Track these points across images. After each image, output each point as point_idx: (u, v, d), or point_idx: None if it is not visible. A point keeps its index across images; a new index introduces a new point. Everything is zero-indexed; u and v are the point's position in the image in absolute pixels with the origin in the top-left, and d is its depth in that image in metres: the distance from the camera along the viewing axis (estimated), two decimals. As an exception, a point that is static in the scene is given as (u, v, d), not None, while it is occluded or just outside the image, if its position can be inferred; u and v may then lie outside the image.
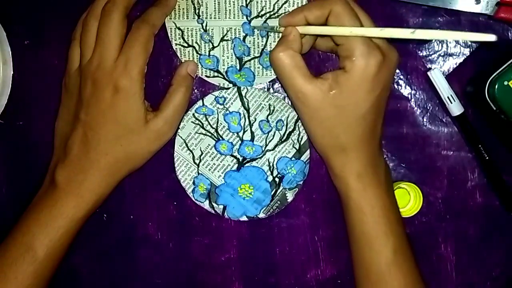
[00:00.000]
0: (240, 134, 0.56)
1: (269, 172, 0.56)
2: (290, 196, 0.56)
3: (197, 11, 0.55)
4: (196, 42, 0.55)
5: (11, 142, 0.57)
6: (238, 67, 0.55)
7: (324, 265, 0.57)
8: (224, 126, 0.56)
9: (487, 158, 0.54)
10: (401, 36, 0.44)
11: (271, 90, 0.56)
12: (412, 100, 0.55)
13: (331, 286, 0.57)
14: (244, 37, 0.55)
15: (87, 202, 0.51)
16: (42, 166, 0.54)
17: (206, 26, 0.55)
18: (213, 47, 0.55)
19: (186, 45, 0.55)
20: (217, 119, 0.55)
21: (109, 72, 0.50)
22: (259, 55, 0.55)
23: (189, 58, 0.55)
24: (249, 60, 0.55)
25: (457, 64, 0.55)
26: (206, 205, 0.56)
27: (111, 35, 0.50)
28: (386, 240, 0.49)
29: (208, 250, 0.57)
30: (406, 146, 0.56)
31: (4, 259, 0.50)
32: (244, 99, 0.55)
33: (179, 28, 0.55)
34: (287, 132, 0.55)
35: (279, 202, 0.56)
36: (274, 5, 0.54)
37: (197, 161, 0.56)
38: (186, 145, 0.56)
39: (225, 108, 0.55)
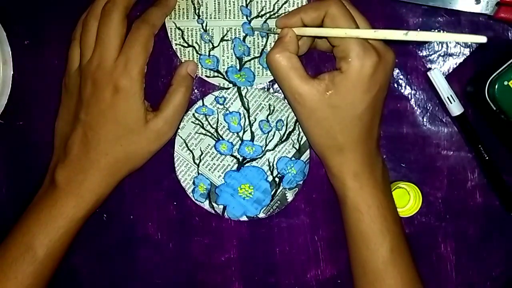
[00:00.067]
0: (240, 134, 0.56)
1: (269, 172, 0.56)
2: (290, 196, 0.56)
3: (197, 11, 0.55)
4: (196, 42, 0.55)
5: (11, 142, 0.57)
6: (238, 67, 0.55)
7: (324, 265, 0.57)
8: (224, 126, 0.56)
9: (487, 158, 0.54)
10: (395, 37, 0.45)
11: (271, 90, 0.56)
12: (412, 100, 0.55)
13: (331, 286, 0.57)
14: (244, 37, 0.55)
15: (87, 202, 0.51)
16: (42, 166, 0.54)
17: (206, 26, 0.55)
18: (213, 47, 0.55)
19: (186, 45, 0.55)
20: (217, 119, 0.55)
21: (109, 72, 0.50)
22: (259, 55, 0.55)
23: (189, 58, 0.55)
24: (249, 60, 0.55)
25: (457, 64, 0.55)
26: (206, 205, 0.56)
27: (111, 35, 0.50)
28: (383, 239, 0.50)
29: (208, 250, 0.57)
30: (406, 146, 0.56)
31: (4, 259, 0.50)
32: (244, 99, 0.55)
33: (179, 28, 0.55)
34: (287, 132, 0.55)
35: (279, 202, 0.56)
36: (274, 5, 0.54)
37: (197, 161, 0.56)
38: (186, 145, 0.56)
39: (225, 108, 0.55)
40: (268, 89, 0.56)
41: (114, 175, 0.52)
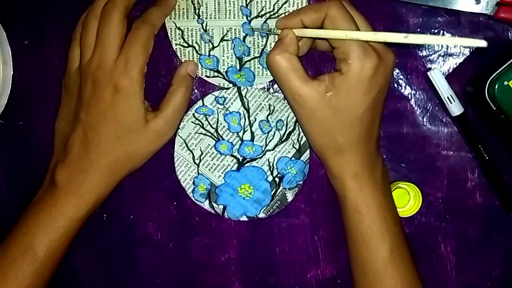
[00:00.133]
0: (240, 134, 0.56)
1: (269, 172, 0.56)
2: (290, 196, 0.56)
3: (197, 11, 0.55)
4: (196, 42, 0.55)
5: (11, 142, 0.57)
6: (238, 67, 0.55)
7: (324, 265, 0.57)
8: (224, 126, 0.56)
9: (487, 158, 0.54)
10: (395, 40, 0.45)
11: (271, 90, 0.56)
12: (412, 100, 0.55)
13: (331, 286, 0.57)
14: (244, 37, 0.55)
15: (87, 202, 0.51)
16: (42, 166, 0.54)
17: (206, 26, 0.55)
18: (213, 47, 0.55)
19: (186, 45, 0.55)
20: (217, 119, 0.55)
21: (109, 72, 0.50)
22: (259, 55, 0.55)
23: (189, 58, 0.55)
24: (249, 60, 0.55)
25: (457, 64, 0.55)
26: (206, 205, 0.56)
27: (111, 35, 0.50)
28: (382, 240, 0.50)
29: (208, 250, 0.57)
30: (406, 146, 0.56)
31: (4, 259, 0.50)
32: (244, 99, 0.55)
33: (179, 28, 0.55)
34: (287, 132, 0.55)
35: (279, 202, 0.56)
36: (274, 5, 0.54)
37: (197, 161, 0.56)
38: (186, 145, 0.56)
39: (225, 108, 0.55)
40: (268, 89, 0.56)
41: (114, 175, 0.52)
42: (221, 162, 0.56)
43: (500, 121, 0.51)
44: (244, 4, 0.54)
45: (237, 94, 0.55)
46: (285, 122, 0.55)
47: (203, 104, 0.55)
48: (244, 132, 0.56)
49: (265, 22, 0.54)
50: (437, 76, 0.53)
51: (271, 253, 0.57)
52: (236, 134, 0.56)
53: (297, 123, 0.55)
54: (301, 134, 0.55)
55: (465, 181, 0.56)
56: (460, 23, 0.54)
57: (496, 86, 0.50)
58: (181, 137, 0.56)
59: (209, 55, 0.55)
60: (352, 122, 0.48)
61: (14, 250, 0.50)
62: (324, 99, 0.48)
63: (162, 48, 0.55)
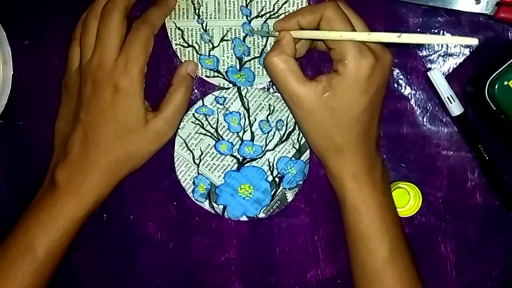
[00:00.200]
0: (240, 134, 0.56)
1: (269, 172, 0.56)
2: (290, 196, 0.56)
3: (197, 11, 0.55)
4: (196, 42, 0.55)
5: (11, 142, 0.57)
6: (238, 67, 0.55)
7: (324, 265, 0.57)
8: (224, 126, 0.56)
9: (487, 158, 0.54)
10: (388, 40, 0.46)
11: (271, 90, 0.56)
12: (412, 100, 0.55)
13: (331, 286, 0.57)
14: (244, 37, 0.55)
15: (87, 202, 0.51)
16: (42, 166, 0.54)
17: (206, 26, 0.55)
18: (213, 47, 0.55)
19: (186, 45, 0.55)
20: (217, 119, 0.56)
21: (109, 72, 0.50)
22: (259, 55, 0.55)
23: (189, 58, 0.55)
24: (249, 60, 0.55)
25: (457, 64, 0.55)
26: (206, 205, 0.56)
27: (111, 35, 0.50)
28: (382, 240, 0.50)
29: (208, 250, 0.57)
30: (406, 146, 0.56)
31: (4, 259, 0.50)
32: (244, 99, 0.55)
33: (179, 28, 0.55)
34: (287, 132, 0.55)
35: (279, 202, 0.56)
36: (274, 5, 0.54)
37: (197, 161, 0.56)
38: (186, 145, 0.56)
39: (225, 108, 0.55)
40: (268, 89, 0.56)
41: (114, 175, 0.52)
42: (221, 162, 0.56)
43: (500, 121, 0.51)
44: (244, 4, 0.54)
45: (237, 94, 0.55)
46: (285, 122, 0.55)
47: (203, 104, 0.55)
48: (244, 132, 0.56)
49: (265, 22, 0.54)
50: (437, 76, 0.53)
51: (271, 253, 0.57)
52: (236, 134, 0.56)
53: (297, 123, 0.55)
54: (301, 134, 0.55)
55: (465, 181, 0.56)
56: (460, 23, 0.54)
57: (496, 86, 0.50)
58: (181, 137, 0.56)
59: (209, 55, 0.55)
60: (350, 122, 0.48)
61: (14, 250, 0.50)
62: (321, 100, 0.48)
63: (162, 48, 0.55)
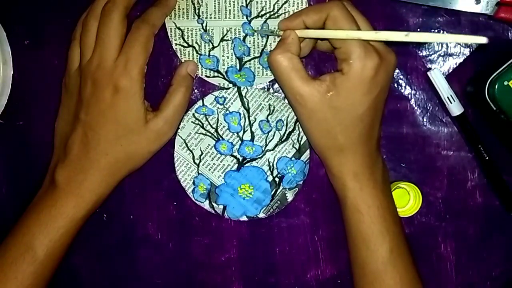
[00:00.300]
0: (240, 134, 0.56)
1: (269, 172, 0.56)
2: (290, 196, 0.56)
3: (197, 11, 0.55)
4: (196, 42, 0.55)
5: (11, 142, 0.57)
6: (238, 67, 0.55)
7: (324, 265, 0.57)
8: (224, 126, 0.56)
9: (487, 158, 0.54)
10: (396, 39, 0.45)
11: (271, 90, 0.56)
12: (412, 100, 0.55)
13: (331, 286, 0.57)
14: (244, 37, 0.55)
15: (87, 202, 0.51)
16: (42, 166, 0.54)
17: (206, 26, 0.55)
18: (213, 47, 0.55)
19: (186, 45, 0.55)
20: (217, 119, 0.56)
21: (109, 72, 0.50)
22: (259, 55, 0.55)
23: (189, 58, 0.55)
24: (249, 60, 0.55)
25: (457, 64, 0.55)
26: (206, 205, 0.56)
27: (111, 35, 0.50)
28: (382, 240, 0.50)
29: (208, 250, 0.57)
30: (406, 146, 0.56)
31: (4, 259, 0.50)
32: (244, 99, 0.55)
33: (179, 28, 0.55)
34: (287, 132, 0.55)
35: (279, 202, 0.56)
36: (274, 5, 0.54)
37: (197, 161, 0.56)
38: (186, 145, 0.56)
39: (225, 108, 0.55)
40: (268, 89, 0.56)
41: (114, 175, 0.52)
42: (221, 162, 0.56)
43: (500, 121, 0.51)
44: (244, 4, 0.54)
45: (237, 94, 0.55)
46: (285, 122, 0.55)
47: (203, 104, 0.55)
48: (244, 132, 0.56)
49: (265, 22, 0.54)
50: (437, 76, 0.53)
51: (271, 253, 0.57)
52: (236, 134, 0.56)
53: (297, 123, 0.55)
54: (301, 134, 0.55)
55: (465, 181, 0.56)
56: (460, 23, 0.54)
57: (496, 86, 0.50)
58: (181, 137, 0.56)
59: (209, 55, 0.55)
60: (353, 122, 0.48)
61: (14, 250, 0.50)
62: (325, 99, 0.48)
63: (162, 48, 0.55)
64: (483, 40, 0.42)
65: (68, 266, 0.56)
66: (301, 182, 0.56)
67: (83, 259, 0.58)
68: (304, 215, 0.57)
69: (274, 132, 0.55)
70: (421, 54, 0.55)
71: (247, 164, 0.56)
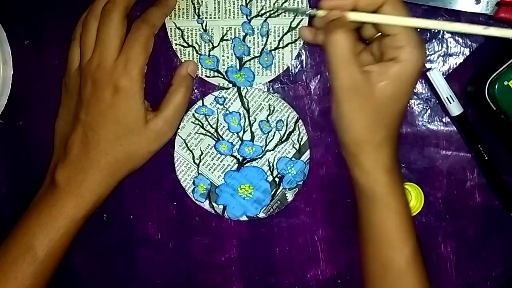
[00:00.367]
0: (240, 134, 0.56)
1: (269, 172, 0.56)
2: (290, 196, 0.56)
3: (197, 11, 0.55)
4: (196, 42, 0.55)
5: (11, 142, 0.57)
6: (238, 67, 0.55)
7: (324, 265, 0.57)
8: (224, 126, 0.56)
9: (487, 158, 0.54)
10: (473, 31, 0.44)
11: (271, 90, 0.56)
12: (412, 100, 0.55)
13: (331, 286, 0.57)
14: (244, 37, 0.55)
15: (87, 202, 0.51)
16: (42, 166, 0.54)
17: (206, 26, 0.55)
18: (213, 47, 0.55)
19: (186, 45, 0.55)
20: (217, 119, 0.55)
21: (109, 72, 0.50)
22: (259, 54, 0.55)
23: (189, 58, 0.55)
24: (249, 60, 0.55)
25: (457, 64, 0.55)
26: (206, 205, 0.56)
27: (111, 35, 0.50)
28: (407, 238, 0.48)
29: (208, 250, 0.57)
30: (406, 146, 0.56)
31: (4, 259, 0.50)
32: (244, 99, 0.55)
33: (179, 28, 0.55)
34: (287, 132, 0.55)
35: (279, 202, 0.56)
36: (274, 4, 0.54)
37: (197, 161, 0.56)
38: (186, 145, 0.56)
39: (225, 108, 0.55)
40: (268, 89, 0.56)
41: (114, 175, 0.52)
42: (221, 162, 0.56)
43: (500, 121, 0.51)
44: (244, 4, 0.54)
45: (237, 94, 0.55)
46: (285, 122, 0.55)
47: (203, 104, 0.55)
48: (244, 132, 0.56)
49: (265, 21, 0.54)
50: (436, 76, 0.53)
51: (271, 253, 0.57)
52: (236, 134, 0.56)
53: (297, 123, 0.55)
54: (301, 134, 0.55)
55: (465, 181, 0.56)
56: (460, 23, 0.54)
57: (496, 86, 0.50)
58: (181, 137, 0.56)
59: (209, 55, 0.55)
60: (400, 114, 0.47)
61: (14, 250, 0.50)
62: (379, 89, 0.45)
63: (162, 48, 0.55)
64: None
65: (68, 266, 0.56)
66: (301, 182, 0.56)
67: (83, 259, 0.58)
68: (304, 215, 0.57)
69: (274, 132, 0.55)
70: (421, 54, 0.55)
71: (247, 164, 0.56)
